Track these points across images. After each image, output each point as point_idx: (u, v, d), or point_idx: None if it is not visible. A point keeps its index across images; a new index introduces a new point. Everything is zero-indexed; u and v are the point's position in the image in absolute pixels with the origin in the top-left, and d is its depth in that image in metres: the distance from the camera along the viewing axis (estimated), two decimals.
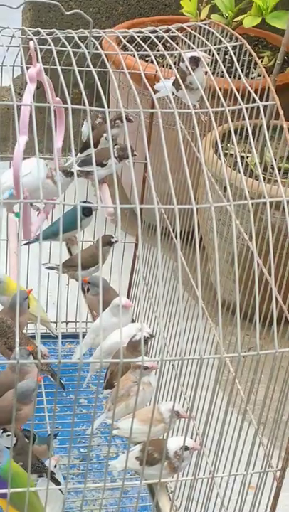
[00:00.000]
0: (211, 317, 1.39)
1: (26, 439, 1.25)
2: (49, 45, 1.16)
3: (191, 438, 1.30)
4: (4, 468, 1.09)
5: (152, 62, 1.18)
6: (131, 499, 1.48)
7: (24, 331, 1.57)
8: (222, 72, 1.14)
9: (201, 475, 1.15)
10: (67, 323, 1.76)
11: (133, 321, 1.54)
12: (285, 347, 1.00)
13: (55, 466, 1.29)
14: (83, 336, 1.46)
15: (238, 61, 1.19)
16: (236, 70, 1.15)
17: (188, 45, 1.27)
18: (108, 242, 1.53)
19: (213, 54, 1.21)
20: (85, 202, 1.52)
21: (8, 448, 1.12)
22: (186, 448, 1.13)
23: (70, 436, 1.06)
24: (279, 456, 1.14)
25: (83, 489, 1.05)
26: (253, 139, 1.07)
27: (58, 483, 1.30)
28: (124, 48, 1.30)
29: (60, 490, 1.25)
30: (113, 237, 1.52)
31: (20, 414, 1.25)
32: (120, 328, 1.06)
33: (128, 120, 1.41)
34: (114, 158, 1.41)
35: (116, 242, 1.53)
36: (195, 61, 1.24)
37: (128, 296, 1.81)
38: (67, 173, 1.32)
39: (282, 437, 1.13)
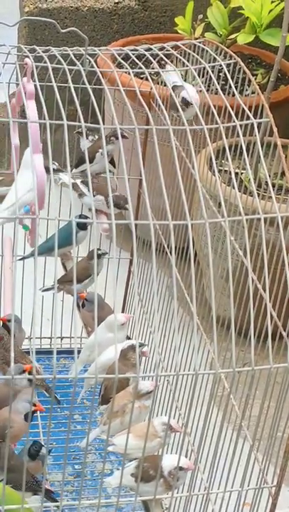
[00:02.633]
0: (205, 333, 1.39)
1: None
2: (45, 62, 1.17)
3: (186, 454, 1.30)
4: None
5: (147, 79, 1.19)
6: None
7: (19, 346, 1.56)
8: (216, 89, 1.15)
9: (196, 491, 1.15)
10: (61, 338, 1.76)
11: (128, 338, 1.54)
12: (280, 363, 1.00)
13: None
14: (78, 352, 1.45)
15: (232, 78, 1.20)
16: (230, 87, 1.16)
17: (183, 62, 1.29)
18: (97, 255, 1.54)
19: (207, 72, 1.22)
20: (80, 216, 1.53)
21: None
22: (181, 468, 1.12)
23: (64, 453, 1.05)
24: (274, 473, 1.14)
25: (78, 506, 1.04)
26: (247, 156, 1.08)
27: (53, 500, 1.29)
28: (119, 66, 1.31)
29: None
30: (100, 250, 1.53)
31: (12, 431, 1.25)
32: (116, 344, 1.06)
33: (123, 137, 1.42)
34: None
35: (104, 254, 1.54)
36: (185, 103, 1.25)
37: (123, 312, 1.80)
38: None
39: (277, 453, 1.12)
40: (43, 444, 1.31)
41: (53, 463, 1.53)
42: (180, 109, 1.14)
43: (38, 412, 1.55)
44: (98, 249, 1.53)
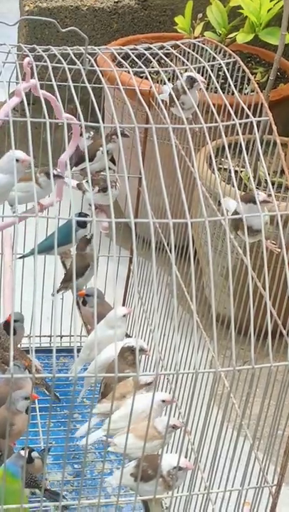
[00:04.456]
0: (205, 331, 1.39)
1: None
2: (45, 61, 1.17)
3: (186, 453, 1.30)
4: None
5: (147, 78, 1.19)
6: None
7: (18, 345, 1.56)
8: (216, 88, 1.15)
9: (196, 491, 1.15)
10: (61, 337, 1.76)
11: (128, 335, 1.53)
12: (280, 361, 1.00)
13: None
14: (78, 350, 1.45)
15: (231, 77, 1.20)
16: (230, 85, 1.16)
17: (183, 61, 1.29)
18: (87, 241, 1.54)
19: (207, 70, 1.22)
20: (80, 213, 1.52)
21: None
22: (180, 468, 1.12)
23: (63, 452, 1.05)
24: (275, 472, 1.14)
25: (77, 506, 1.04)
26: (247, 154, 1.08)
27: (55, 497, 1.30)
28: (119, 65, 1.31)
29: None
30: (86, 235, 1.54)
31: (13, 429, 1.25)
32: (115, 342, 1.06)
33: (124, 135, 1.41)
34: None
35: (92, 236, 1.55)
36: (191, 82, 1.26)
37: None
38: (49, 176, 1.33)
39: (277, 452, 1.12)
40: (34, 448, 1.31)
41: (52, 462, 1.52)
42: (178, 105, 1.14)
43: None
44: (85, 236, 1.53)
